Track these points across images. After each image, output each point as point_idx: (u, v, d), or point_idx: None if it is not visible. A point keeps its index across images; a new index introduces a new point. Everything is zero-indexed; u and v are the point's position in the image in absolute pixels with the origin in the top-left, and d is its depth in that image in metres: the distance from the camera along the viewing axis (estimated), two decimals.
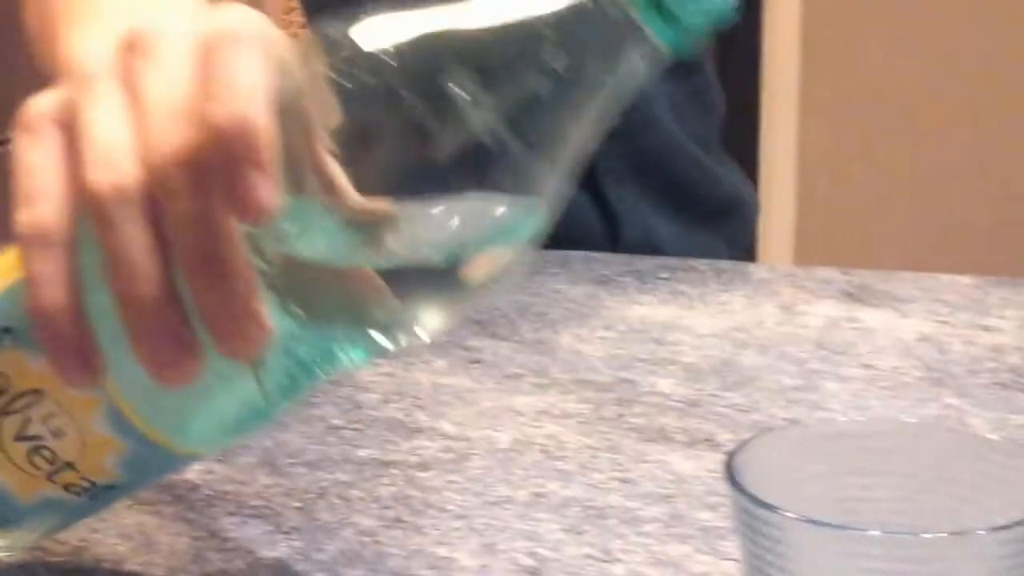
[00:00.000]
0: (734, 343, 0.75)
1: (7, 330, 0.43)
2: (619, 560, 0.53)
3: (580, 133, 0.41)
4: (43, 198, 0.40)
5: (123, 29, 0.41)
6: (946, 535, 0.35)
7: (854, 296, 0.81)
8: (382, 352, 0.44)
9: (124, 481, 0.46)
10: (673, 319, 0.79)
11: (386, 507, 0.57)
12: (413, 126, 0.39)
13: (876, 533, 0.36)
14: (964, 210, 2.33)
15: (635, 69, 0.40)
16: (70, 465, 0.45)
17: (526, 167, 0.41)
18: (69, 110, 0.41)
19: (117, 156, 0.39)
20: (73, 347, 0.40)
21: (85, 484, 0.45)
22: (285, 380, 0.44)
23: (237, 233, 0.38)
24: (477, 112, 0.39)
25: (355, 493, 0.58)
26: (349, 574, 0.52)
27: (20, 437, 0.44)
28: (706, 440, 0.63)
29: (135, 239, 0.38)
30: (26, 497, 0.46)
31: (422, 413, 0.66)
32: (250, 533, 0.55)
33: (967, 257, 2.26)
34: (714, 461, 0.61)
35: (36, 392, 0.43)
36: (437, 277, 0.41)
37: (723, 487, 0.58)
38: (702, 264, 0.88)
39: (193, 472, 0.61)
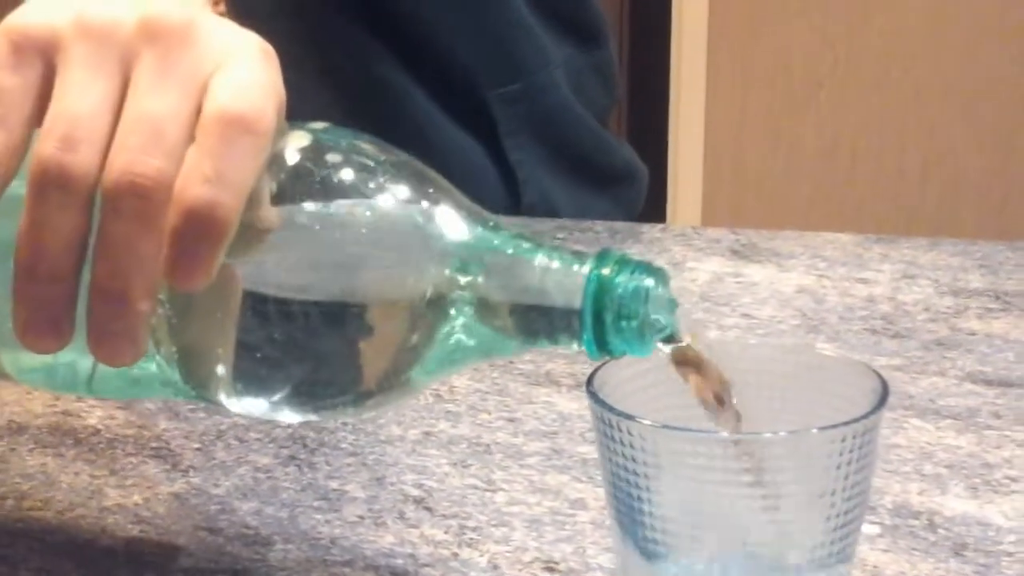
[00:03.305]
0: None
1: None
2: (501, 489, 0.55)
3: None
4: (1, 126, 0.40)
5: (149, 3, 0.40)
6: (784, 434, 0.39)
7: (740, 253, 0.85)
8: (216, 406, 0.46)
9: None
10: None
11: (282, 447, 0.59)
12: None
13: (723, 435, 0.39)
14: (864, 178, 2.39)
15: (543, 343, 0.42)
16: None
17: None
18: (58, 50, 0.40)
19: (80, 138, 0.39)
20: None
21: None
22: (117, 382, 0.46)
23: (157, 272, 0.40)
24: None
25: (252, 435, 0.61)
26: (243, 507, 0.54)
27: None
28: None
29: (60, 225, 0.39)
30: None
31: None
32: (148, 471, 0.58)
33: (865, 220, 2.32)
34: None
35: None
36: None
37: None
38: (598, 225, 0.92)
39: (94, 418, 0.63)
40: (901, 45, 2.35)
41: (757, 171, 2.39)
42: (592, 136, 1.02)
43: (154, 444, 0.60)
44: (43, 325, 0.40)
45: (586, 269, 0.41)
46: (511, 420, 0.62)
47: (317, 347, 0.42)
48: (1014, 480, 0.55)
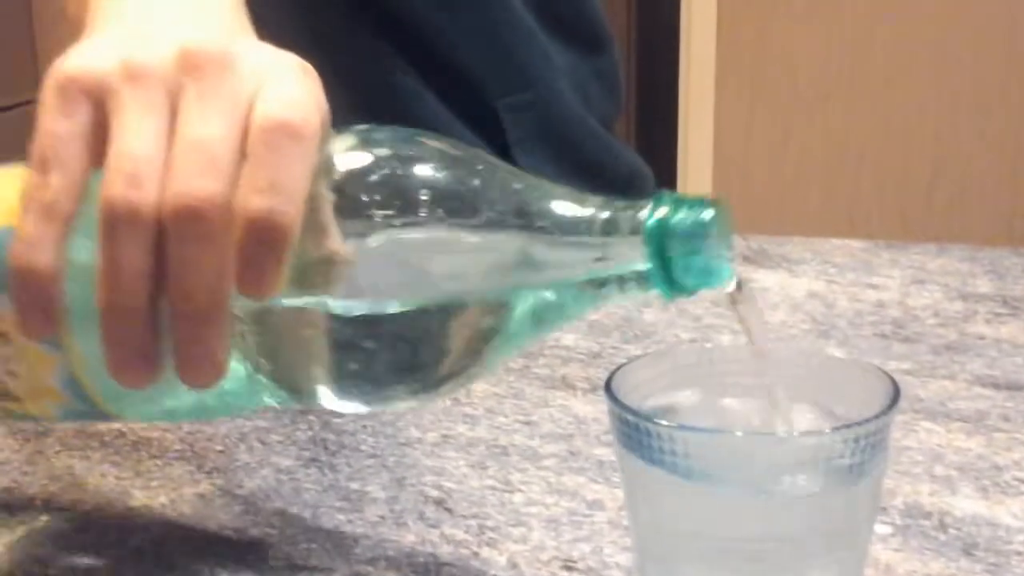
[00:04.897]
0: (636, 302, 0.79)
1: None
2: (519, 490, 0.57)
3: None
4: (58, 168, 0.41)
5: (186, 38, 0.42)
6: (797, 435, 0.40)
7: (751, 259, 0.86)
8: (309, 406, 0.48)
9: (55, 419, 0.49)
10: None
11: (303, 449, 0.61)
12: None
13: (739, 434, 0.40)
14: (871, 185, 2.40)
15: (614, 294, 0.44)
16: (16, 399, 0.48)
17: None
18: (108, 94, 0.42)
19: (143, 175, 0.40)
20: (40, 308, 0.42)
21: (20, 413, 0.49)
22: (218, 404, 0.48)
23: (229, 289, 0.41)
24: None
25: (274, 437, 0.62)
26: (267, 507, 0.56)
27: None
28: None
29: (133, 259, 0.41)
30: None
31: None
32: (173, 473, 0.59)
33: (873, 226, 2.33)
34: None
35: (3, 335, 0.46)
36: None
37: None
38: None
39: (118, 421, 0.64)
40: (907, 52, 2.36)
41: (765, 178, 2.41)
42: (598, 142, 1.03)
43: (177, 447, 0.61)
44: (132, 360, 0.42)
45: (644, 213, 0.42)
46: (527, 423, 0.63)
47: (408, 349, 0.43)
48: (1023, 482, 0.56)
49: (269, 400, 0.47)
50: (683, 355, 0.45)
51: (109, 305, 0.41)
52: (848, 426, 0.39)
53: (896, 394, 0.41)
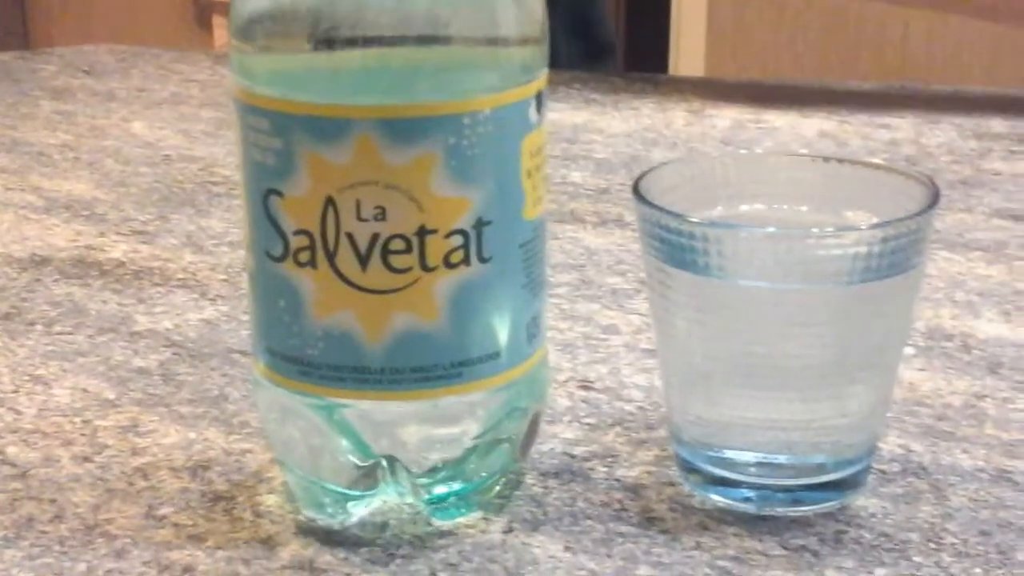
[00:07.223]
0: (644, 141, 0.78)
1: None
2: None
3: None
4: None
5: None
6: (831, 230, 0.38)
7: (758, 99, 0.84)
8: None
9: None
10: (585, 122, 0.81)
11: None
12: None
13: (771, 229, 0.38)
14: (871, 27, 2.36)
15: None
16: (424, 230, 0.37)
17: None
18: None
19: None
20: None
21: (457, 240, 0.38)
22: None
23: None
24: None
25: None
26: None
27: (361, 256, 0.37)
28: (615, 220, 0.66)
29: None
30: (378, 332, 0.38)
31: None
32: (177, 300, 0.57)
33: (871, 72, 2.29)
34: (623, 237, 0.63)
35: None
36: None
37: (631, 257, 0.61)
38: (613, 75, 0.91)
39: (118, 251, 0.62)
40: None
41: (760, 23, 2.36)
42: (594, 7, 1.03)
43: (180, 275, 0.60)
44: None
45: None
46: None
47: None
48: None
49: None
50: (708, 161, 0.44)
51: None
52: (887, 223, 0.38)
53: (936, 194, 0.39)
